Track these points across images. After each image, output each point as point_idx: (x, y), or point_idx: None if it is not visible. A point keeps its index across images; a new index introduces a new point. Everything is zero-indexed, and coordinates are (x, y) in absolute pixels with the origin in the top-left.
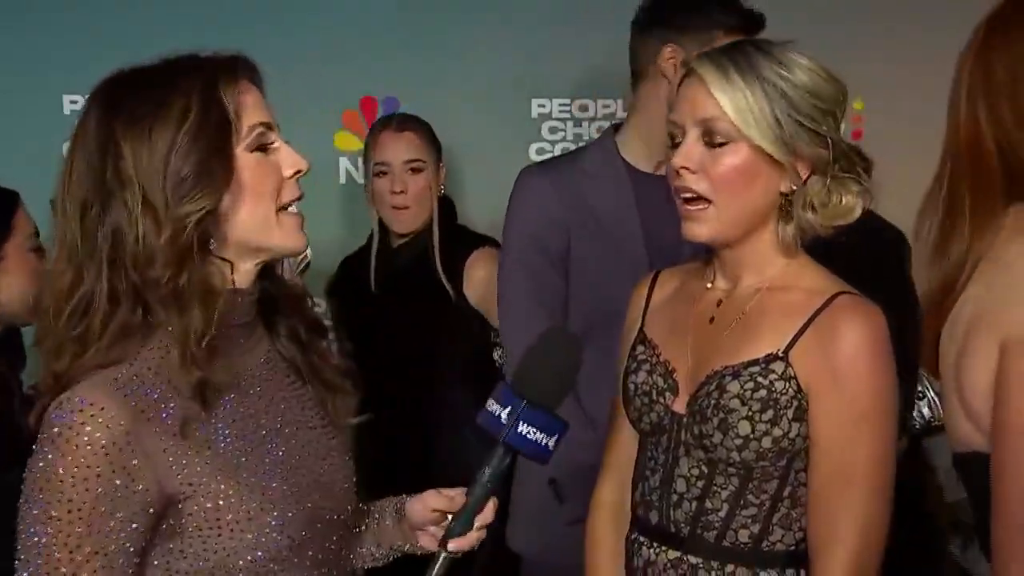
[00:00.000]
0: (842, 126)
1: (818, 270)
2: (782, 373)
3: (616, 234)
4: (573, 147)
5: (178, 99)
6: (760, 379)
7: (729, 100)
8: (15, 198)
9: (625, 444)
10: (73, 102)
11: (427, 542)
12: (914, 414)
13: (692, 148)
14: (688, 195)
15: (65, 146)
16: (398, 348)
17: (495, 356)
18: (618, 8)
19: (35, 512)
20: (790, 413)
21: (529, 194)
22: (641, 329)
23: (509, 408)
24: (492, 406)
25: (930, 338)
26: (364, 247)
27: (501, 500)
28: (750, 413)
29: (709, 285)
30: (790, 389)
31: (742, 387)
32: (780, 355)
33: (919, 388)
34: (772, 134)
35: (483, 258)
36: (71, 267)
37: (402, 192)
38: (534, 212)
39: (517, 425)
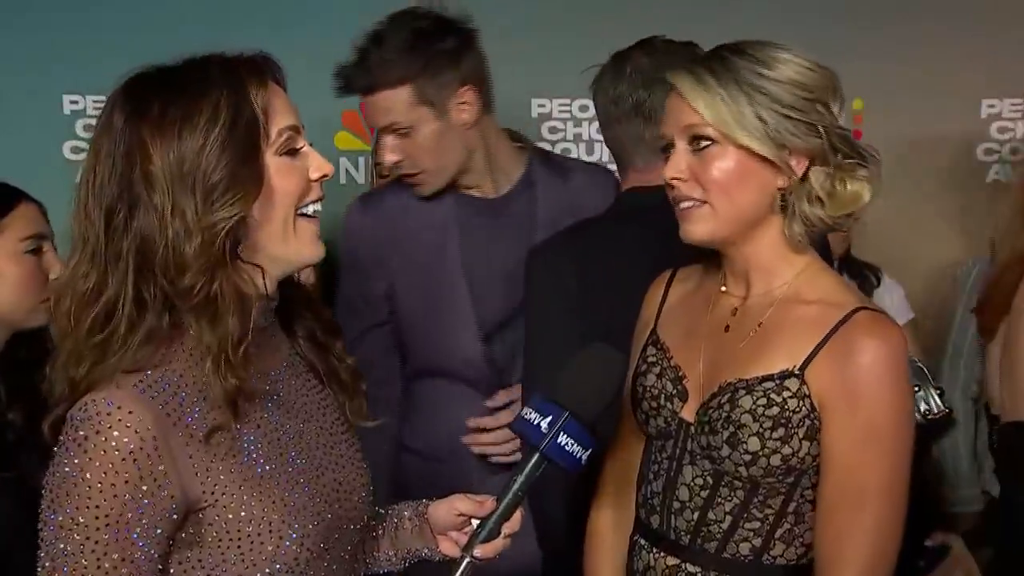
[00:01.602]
0: (840, 116)
1: (832, 278)
2: (796, 391)
3: (435, 266)
4: (573, 147)
5: (208, 101)
6: (774, 396)
7: (707, 105)
8: (12, 197)
9: (630, 444)
10: (73, 102)
11: (448, 548)
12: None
13: (680, 158)
14: (685, 204)
15: (66, 146)
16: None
17: None
18: (618, 8)
19: (60, 519)
20: (801, 432)
21: (351, 236)
22: (654, 330)
23: (551, 418)
24: (530, 415)
25: (999, 302)
26: None
27: None
28: (761, 430)
29: (723, 288)
30: (803, 408)
31: (755, 402)
32: (795, 372)
33: (915, 381)
34: (757, 132)
35: None
36: (95, 270)
37: None
38: (357, 254)
39: (558, 436)
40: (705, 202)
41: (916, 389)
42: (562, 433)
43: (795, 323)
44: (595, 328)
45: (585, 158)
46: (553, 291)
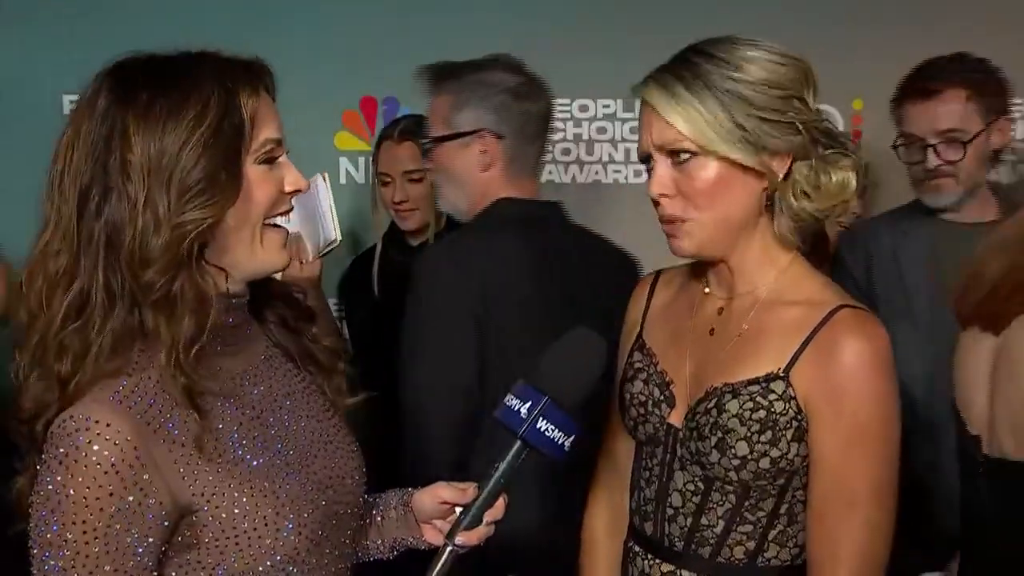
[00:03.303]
0: (814, 103)
1: (815, 278)
2: (782, 393)
3: None
4: (573, 147)
5: (197, 98)
6: (760, 399)
7: (682, 119)
8: None
9: (620, 448)
10: (73, 102)
11: (432, 536)
12: None
13: (664, 174)
14: (671, 220)
15: None
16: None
17: None
18: (617, 9)
19: (48, 536)
20: (789, 434)
21: None
22: (640, 335)
23: (530, 404)
24: (511, 401)
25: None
26: (374, 247)
27: None
28: (748, 434)
29: (706, 290)
30: (790, 410)
31: (741, 407)
32: (780, 374)
33: None
34: (736, 141)
35: None
36: (66, 250)
37: (404, 201)
38: None
39: (537, 421)
40: (690, 219)
41: None
42: (542, 419)
43: (778, 325)
44: (490, 336)
45: (585, 158)
46: (458, 296)
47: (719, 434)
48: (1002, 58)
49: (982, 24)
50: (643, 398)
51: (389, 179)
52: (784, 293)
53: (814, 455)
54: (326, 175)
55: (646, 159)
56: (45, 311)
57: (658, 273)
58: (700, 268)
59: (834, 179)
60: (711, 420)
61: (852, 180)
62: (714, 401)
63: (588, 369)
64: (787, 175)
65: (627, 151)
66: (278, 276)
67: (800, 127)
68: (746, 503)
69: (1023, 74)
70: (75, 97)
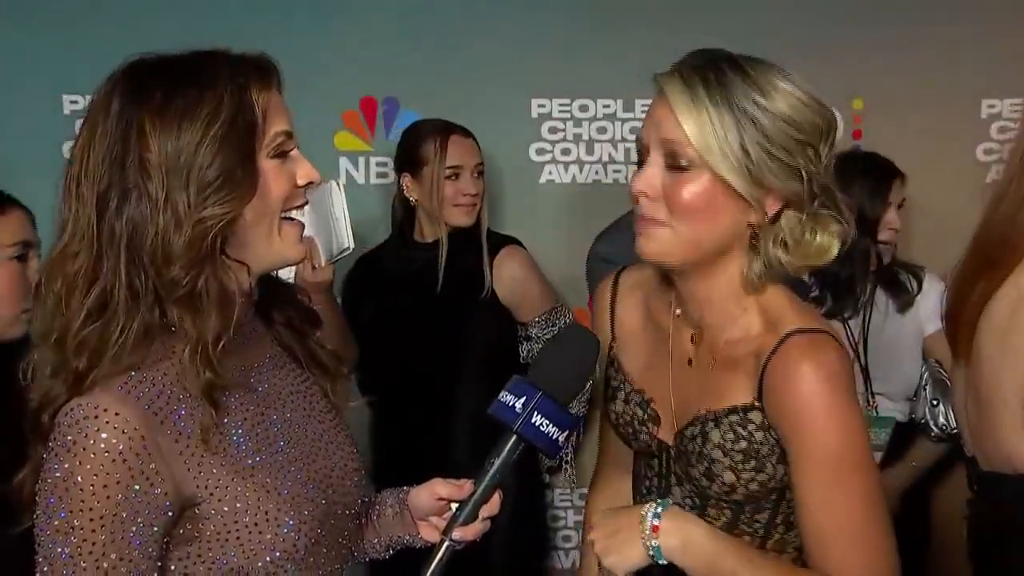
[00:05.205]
0: (830, 157)
1: (782, 301)
2: (760, 423)
3: None
4: (573, 147)
5: (210, 97)
6: (740, 429)
7: (694, 124)
8: (0, 203)
9: (616, 448)
10: (73, 102)
11: (428, 534)
12: (931, 423)
13: (653, 173)
14: (644, 219)
15: (65, 146)
16: (419, 342)
17: (521, 351)
18: (619, 8)
19: (55, 523)
20: (774, 459)
21: None
22: (611, 350)
23: (524, 399)
24: (506, 397)
25: (971, 312)
26: (381, 244)
27: None
28: (732, 464)
29: (677, 312)
30: (770, 439)
31: (722, 437)
32: (756, 404)
33: (934, 396)
34: (737, 164)
35: (511, 255)
36: (85, 251)
37: (476, 194)
38: None
39: (531, 416)
40: (666, 224)
41: (935, 403)
42: (536, 413)
43: (748, 353)
44: None
45: (585, 158)
46: None
47: (706, 463)
48: (1002, 58)
49: (982, 24)
50: (628, 418)
51: (460, 171)
52: (752, 321)
53: (797, 495)
54: (341, 182)
55: (640, 152)
56: (64, 311)
57: (617, 274)
58: (665, 277)
59: (817, 239)
60: (697, 448)
61: (834, 247)
62: (699, 428)
63: (581, 364)
64: (774, 220)
65: (627, 151)
66: (289, 278)
67: (804, 176)
68: (742, 516)
69: (1022, 74)
70: (75, 97)
